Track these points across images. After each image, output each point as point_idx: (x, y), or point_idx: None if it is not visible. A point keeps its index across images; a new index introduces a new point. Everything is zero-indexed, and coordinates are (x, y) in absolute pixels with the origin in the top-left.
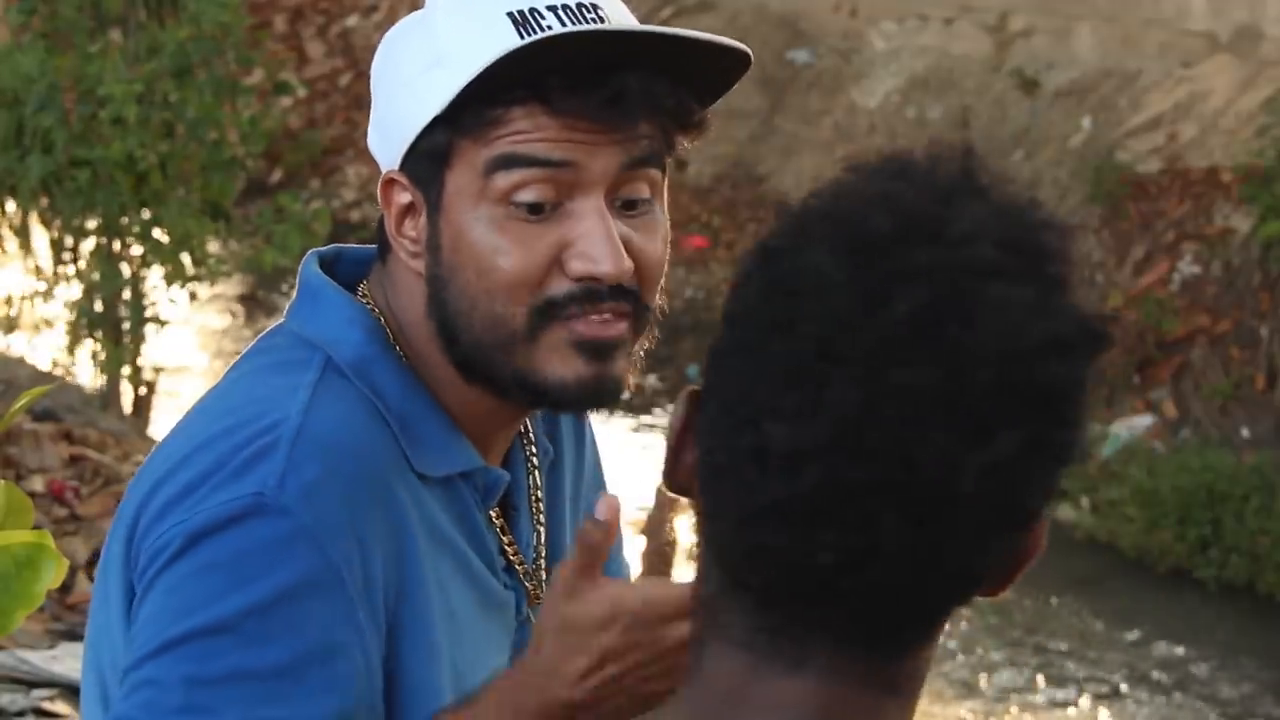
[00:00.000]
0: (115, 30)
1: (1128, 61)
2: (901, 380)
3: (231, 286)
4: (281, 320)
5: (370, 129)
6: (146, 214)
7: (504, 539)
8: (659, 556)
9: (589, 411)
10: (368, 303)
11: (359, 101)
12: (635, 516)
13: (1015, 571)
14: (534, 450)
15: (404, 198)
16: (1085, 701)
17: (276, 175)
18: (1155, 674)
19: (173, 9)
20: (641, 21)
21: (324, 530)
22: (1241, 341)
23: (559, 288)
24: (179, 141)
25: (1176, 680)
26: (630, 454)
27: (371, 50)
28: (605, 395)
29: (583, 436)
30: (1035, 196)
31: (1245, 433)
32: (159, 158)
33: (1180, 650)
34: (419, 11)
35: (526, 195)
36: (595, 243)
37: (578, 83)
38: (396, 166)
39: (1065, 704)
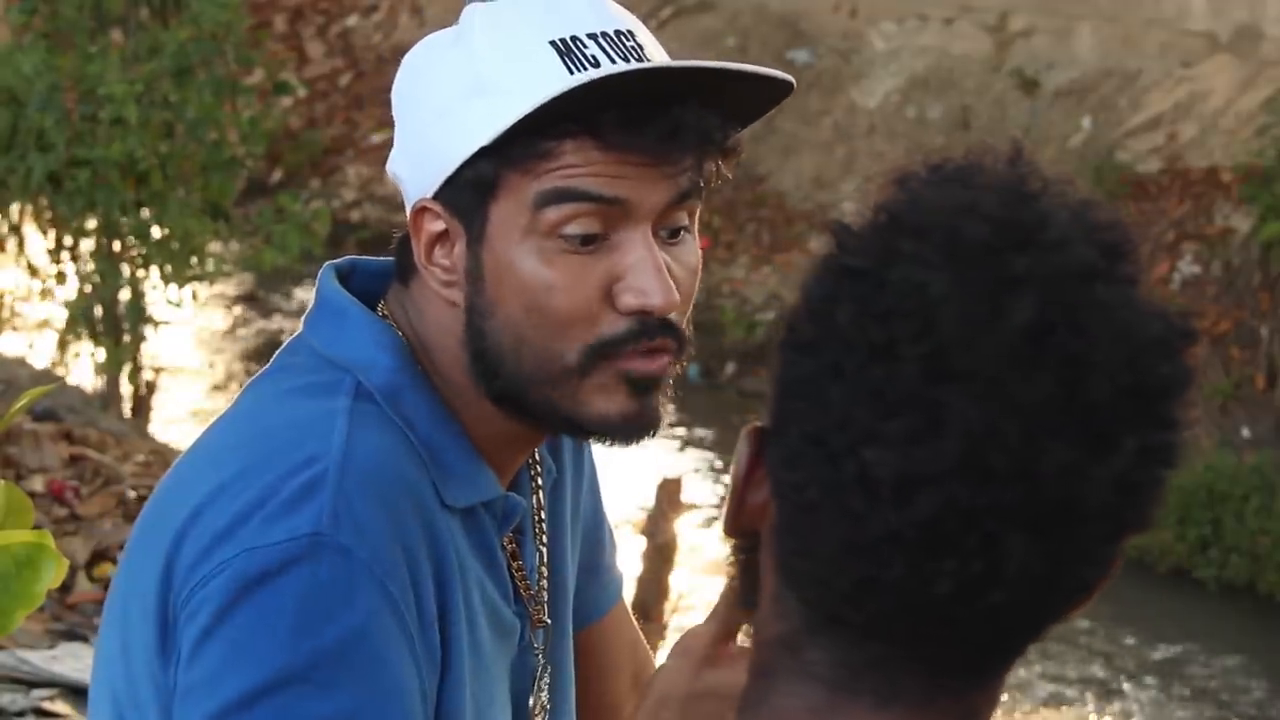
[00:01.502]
0: (116, 30)
1: (1128, 61)
2: (1023, 395)
3: (231, 286)
4: (298, 333)
5: (397, 154)
6: (146, 214)
7: (514, 564)
8: (659, 556)
9: (625, 445)
10: (390, 323)
11: (359, 101)
12: (635, 517)
13: (1103, 584)
14: (539, 470)
15: (437, 226)
16: (1085, 701)
17: (276, 175)
18: (1155, 674)
19: (176, 9)
20: (640, 22)
21: (381, 566)
22: (1241, 341)
23: (613, 326)
24: (179, 141)
25: (1177, 680)
26: (630, 454)
27: (371, 50)
28: (646, 430)
29: (581, 449)
30: (1089, 193)
31: (1245, 433)
32: (159, 158)
33: (1180, 650)
34: (447, 33)
35: (576, 228)
36: (647, 277)
37: (632, 118)
38: (430, 194)
39: (1065, 704)
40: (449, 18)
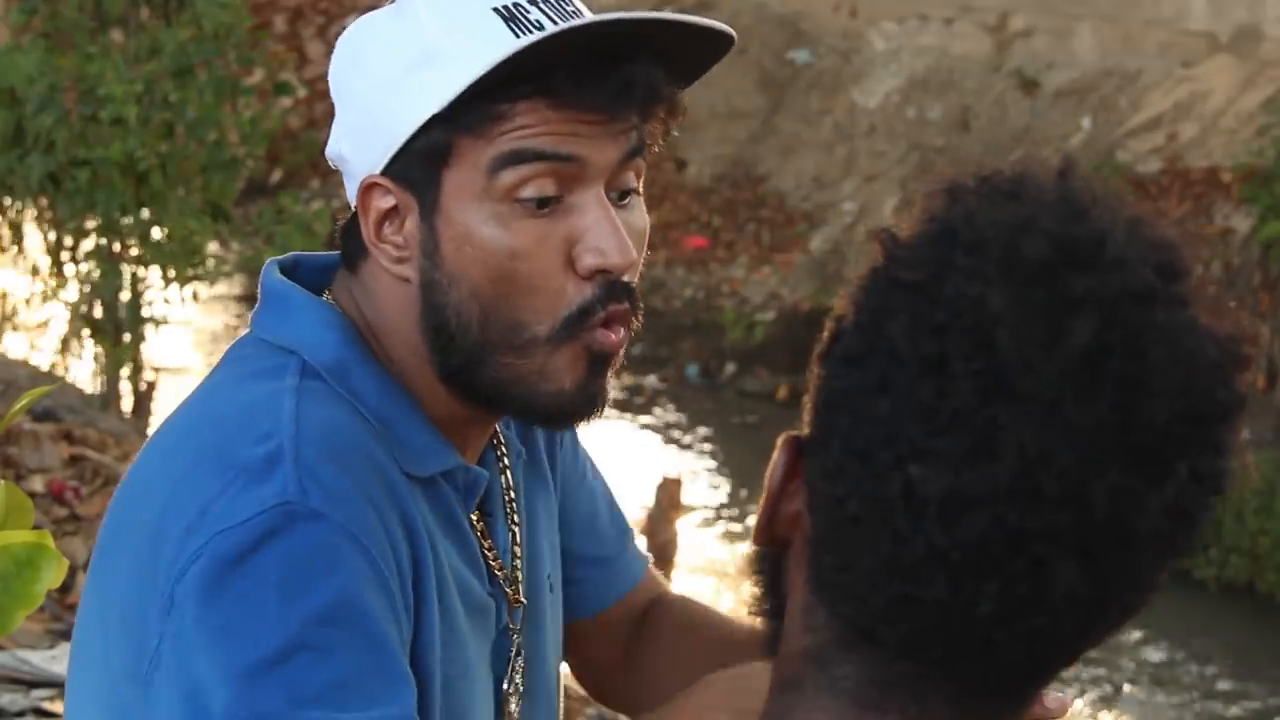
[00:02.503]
0: (116, 30)
1: (1128, 61)
2: (1079, 418)
3: (231, 287)
4: (246, 331)
5: (337, 137)
6: (146, 214)
7: (484, 544)
8: (659, 556)
9: (574, 426)
10: (336, 308)
11: None
12: (635, 517)
13: (1142, 608)
14: (505, 450)
15: (386, 202)
16: (1085, 701)
17: (277, 175)
18: (1155, 674)
19: (176, 9)
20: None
21: (356, 525)
22: None
23: (581, 294)
24: (179, 142)
25: (1177, 680)
26: (630, 454)
27: None
28: (595, 407)
29: (554, 439)
30: (1141, 208)
31: (1245, 433)
32: (159, 158)
33: (1180, 650)
34: (382, 11)
35: (532, 190)
36: (604, 235)
37: (583, 75)
38: (378, 170)
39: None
40: None
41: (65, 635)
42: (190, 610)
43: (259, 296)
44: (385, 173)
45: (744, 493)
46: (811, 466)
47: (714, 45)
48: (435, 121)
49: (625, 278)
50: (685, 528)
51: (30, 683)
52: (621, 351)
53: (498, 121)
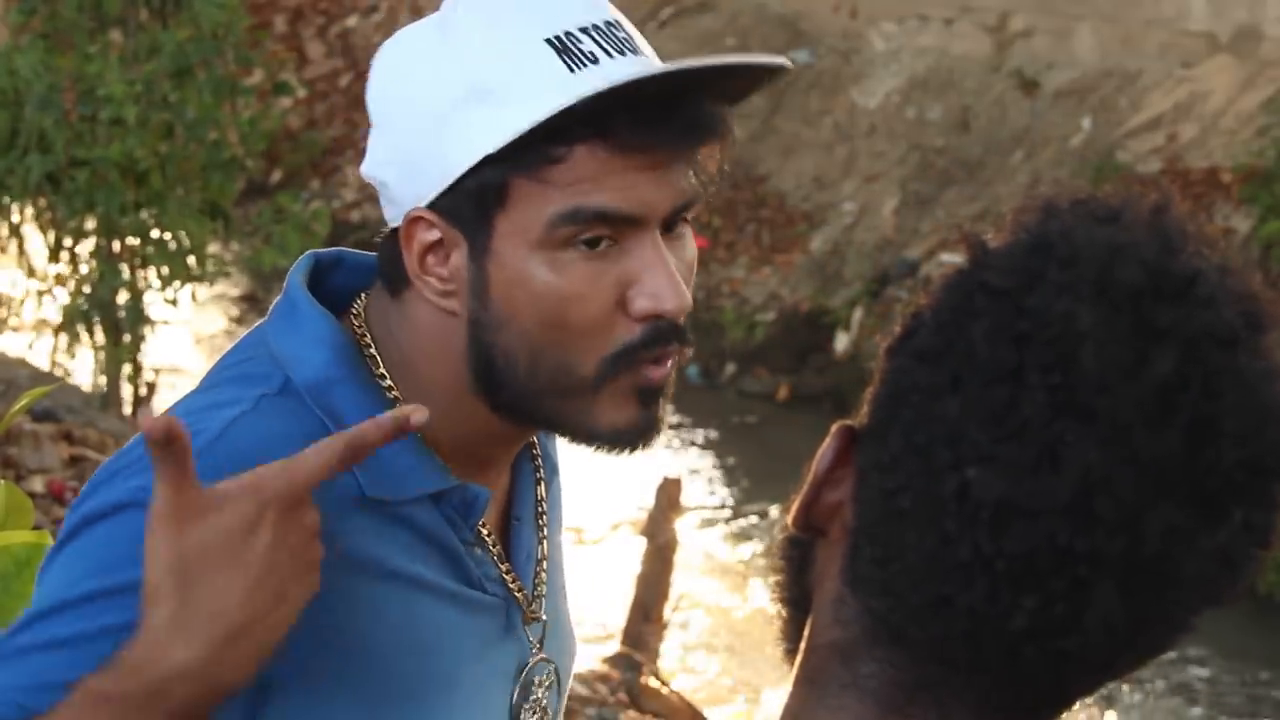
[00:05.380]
0: (115, 30)
1: (1128, 61)
2: (1147, 447)
3: (231, 287)
4: (263, 321)
5: (379, 161)
6: (145, 214)
7: (493, 553)
8: (659, 556)
9: (629, 452)
10: (358, 322)
11: (359, 101)
12: (635, 517)
13: (1167, 650)
14: (541, 463)
15: (431, 235)
16: (1084, 701)
17: (276, 175)
18: (1155, 674)
19: (175, 9)
20: (639, 23)
21: None
22: None
23: (629, 333)
24: (179, 142)
25: (1176, 680)
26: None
27: (372, 50)
28: (652, 437)
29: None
30: (1231, 256)
31: None
32: (158, 158)
33: (1180, 650)
34: (426, 27)
35: (588, 236)
36: (660, 281)
37: (642, 119)
38: (424, 204)
39: None
40: None
41: None
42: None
43: (284, 287)
44: (432, 206)
45: (744, 493)
46: (865, 456)
47: (769, 75)
48: (488, 161)
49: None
50: (685, 528)
51: None
52: (670, 379)
53: (555, 165)
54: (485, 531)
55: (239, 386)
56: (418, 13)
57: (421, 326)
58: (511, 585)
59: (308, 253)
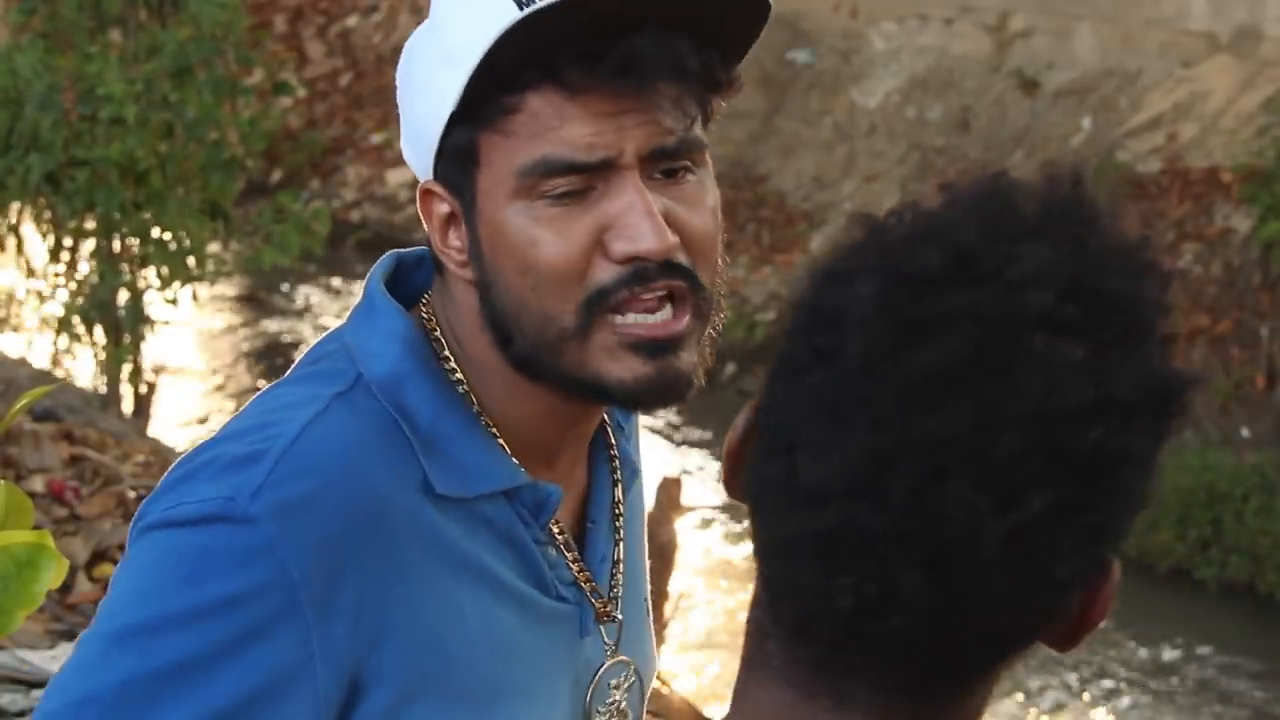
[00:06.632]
0: (115, 30)
1: (1128, 61)
2: (923, 431)
3: (231, 287)
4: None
5: (404, 140)
6: (145, 214)
7: (568, 555)
8: (659, 556)
9: (655, 409)
10: (427, 314)
11: (359, 101)
12: None
13: (1077, 632)
14: (618, 465)
15: (443, 208)
16: (1085, 701)
17: (276, 175)
18: (1155, 674)
19: (175, 9)
20: None
21: (289, 547)
22: (1241, 341)
23: (605, 274)
24: (179, 142)
25: (1177, 680)
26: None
27: (371, 50)
28: (671, 392)
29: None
30: (1146, 237)
31: (1245, 433)
32: (158, 158)
33: (1180, 650)
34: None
35: (563, 186)
36: (635, 220)
37: (587, 53)
38: (430, 175)
39: (1065, 704)
40: None
41: (65, 635)
42: (129, 543)
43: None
44: (436, 177)
45: None
46: (750, 439)
47: (746, 11)
48: (456, 121)
49: (679, 259)
50: (685, 528)
51: (30, 683)
52: (690, 334)
53: (513, 115)
54: (558, 531)
55: (314, 384)
56: (417, 13)
57: (458, 302)
58: (585, 586)
59: (390, 253)
